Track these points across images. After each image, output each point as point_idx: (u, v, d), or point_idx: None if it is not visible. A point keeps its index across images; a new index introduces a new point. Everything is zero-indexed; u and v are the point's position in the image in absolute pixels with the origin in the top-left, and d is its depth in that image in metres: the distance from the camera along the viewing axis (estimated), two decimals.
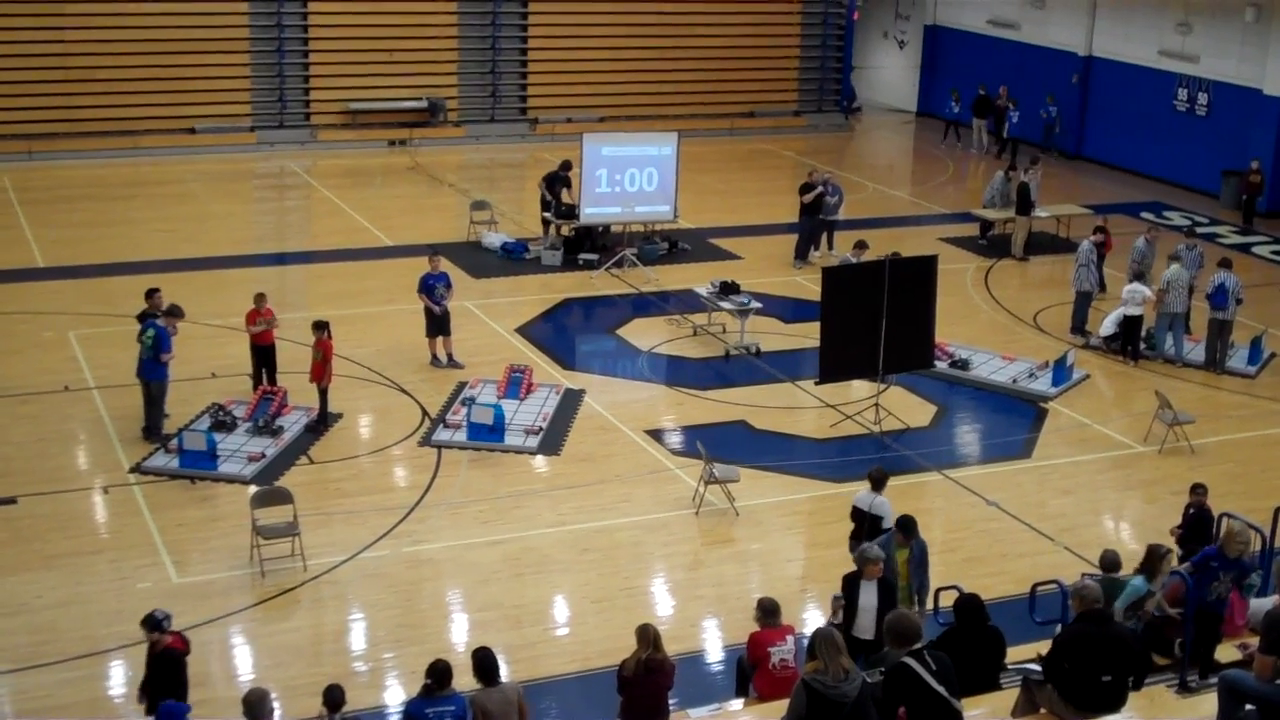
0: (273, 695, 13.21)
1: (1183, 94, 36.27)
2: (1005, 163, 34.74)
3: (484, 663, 11.45)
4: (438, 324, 22.11)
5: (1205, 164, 35.33)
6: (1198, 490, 15.58)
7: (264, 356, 20.44)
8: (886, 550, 13.77)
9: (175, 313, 19.47)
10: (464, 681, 12.10)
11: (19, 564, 15.88)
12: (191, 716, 11.08)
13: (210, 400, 19.87)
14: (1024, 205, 29.32)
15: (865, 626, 13.05)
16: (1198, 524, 15.37)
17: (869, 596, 13.01)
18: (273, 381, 20.31)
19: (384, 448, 19.33)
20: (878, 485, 15.20)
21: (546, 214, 28.50)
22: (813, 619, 14.79)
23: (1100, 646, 10.62)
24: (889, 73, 47.32)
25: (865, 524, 14.97)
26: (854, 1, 43.48)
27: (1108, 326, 23.75)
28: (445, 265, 23.32)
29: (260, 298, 20.48)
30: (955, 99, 41.43)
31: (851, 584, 13.12)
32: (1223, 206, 34.26)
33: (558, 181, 28.64)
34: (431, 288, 21.98)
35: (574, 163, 28.40)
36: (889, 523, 14.79)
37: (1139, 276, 23.80)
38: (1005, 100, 39.28)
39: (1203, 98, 35.76)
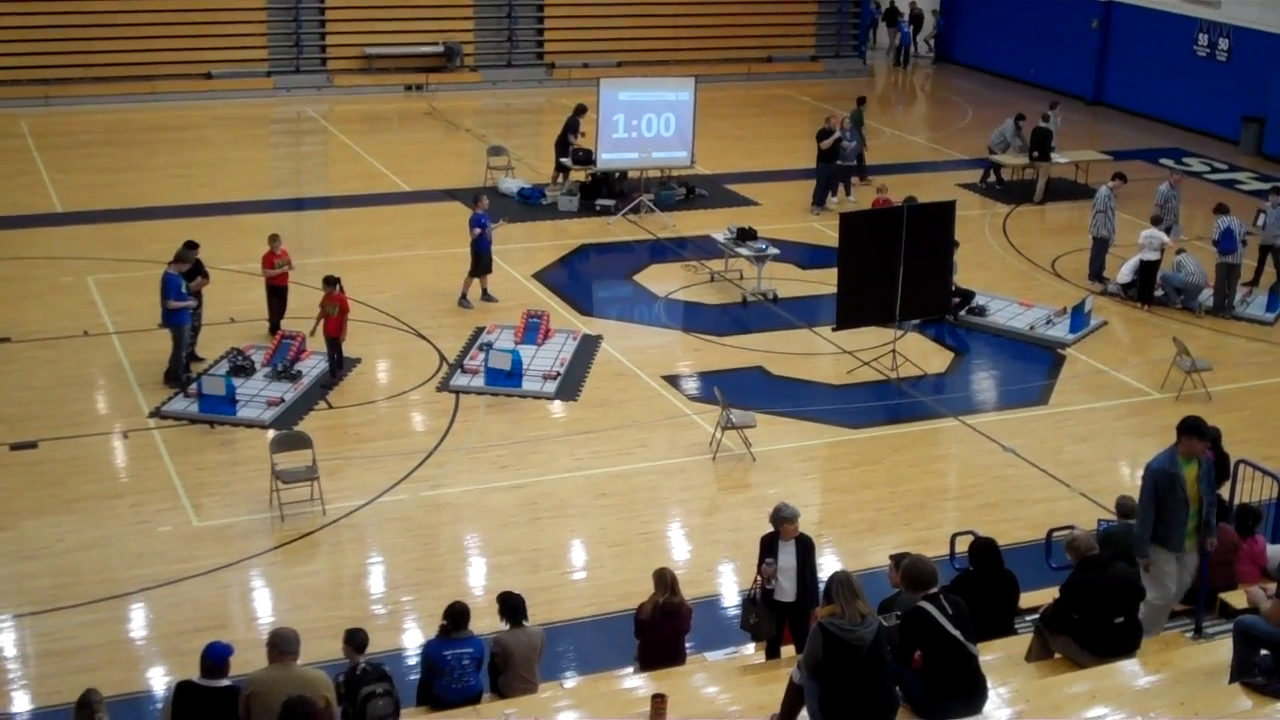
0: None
1: (1203, 39, 35.97)
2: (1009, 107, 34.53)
3: (510, 604, 11.60)
4: (487, 262, 22.19)
5: (1225, 110, 35.07)
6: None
7: (280, 298, 20.54)
8: (1168, 468, 11.30)
9: (182, 258, 19.39)
10: (483, 624, 12.21)
11: (40, 507, 16.01)
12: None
13: (229, 345, 19.95)
14: (1044, 151, 29.15)
15: (785, 589, 12.41)
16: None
17: (788, 557, 12.41)
18: (278, 326, 20.43)
19: (402, 393, 19.38)
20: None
21: (564, 159, 28.47)
22: (828, 564, 14.84)
23: (1105, 591, 10.68)
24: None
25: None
26: None
27: (1125, 273, 23.66)
28: (463, 209, 23.28)
29: (274, 239, 20.50)
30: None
31: (770, 545, 12.53)
32: (1242, 152, 34.05)
33: (573, 126, 28.58)
34: (484, 226, 22.04)
35: (588, 107, 28.24)
36: None
37: (1156, 221, 23.69)
38: (915, 11, 45.28)
39: (1223, 43, 35.45)
